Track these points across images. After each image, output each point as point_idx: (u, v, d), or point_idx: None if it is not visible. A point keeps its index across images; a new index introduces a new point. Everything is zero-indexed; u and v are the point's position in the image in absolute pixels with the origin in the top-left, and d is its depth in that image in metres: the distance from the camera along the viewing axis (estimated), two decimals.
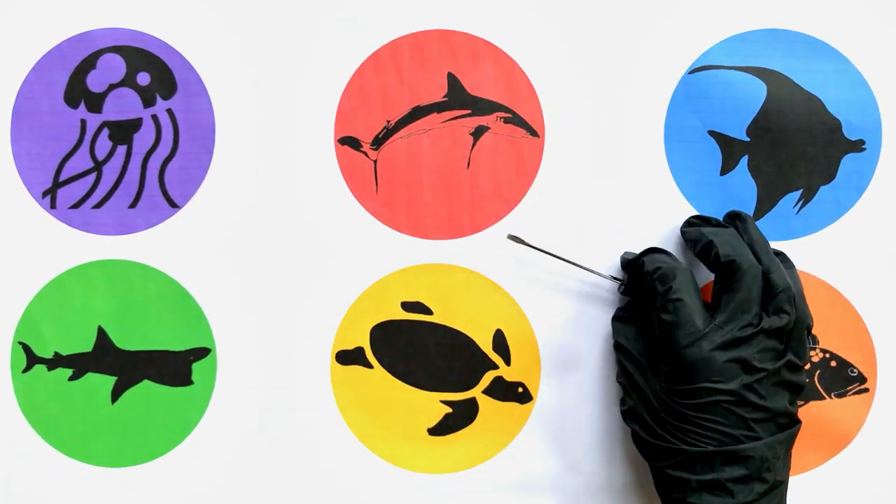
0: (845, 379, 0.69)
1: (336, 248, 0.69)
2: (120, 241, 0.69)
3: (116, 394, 0.69)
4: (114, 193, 0.69)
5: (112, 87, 0.69)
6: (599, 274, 0.64)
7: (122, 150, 0.69)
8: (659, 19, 0.69)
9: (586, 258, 0.68)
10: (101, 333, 0.69)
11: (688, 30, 0.69)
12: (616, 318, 0.65)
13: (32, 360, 0.69)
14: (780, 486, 0.54)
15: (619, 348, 0.63)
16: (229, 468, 0.70)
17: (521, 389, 0.69)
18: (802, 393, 0.59)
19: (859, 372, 0.69)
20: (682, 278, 0.58)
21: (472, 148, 0.69)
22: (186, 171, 0.69)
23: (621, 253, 0.68)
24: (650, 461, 0.59)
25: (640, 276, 0.62)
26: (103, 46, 0.69)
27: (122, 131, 0.69)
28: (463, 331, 0.69)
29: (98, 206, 0.69)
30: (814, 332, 0.69)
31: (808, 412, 0.69)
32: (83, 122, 0.69)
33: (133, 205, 0.69)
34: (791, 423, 0.56)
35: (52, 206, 0.69)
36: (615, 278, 0.65)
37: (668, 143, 0.69)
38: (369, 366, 0.70)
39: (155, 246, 0.69)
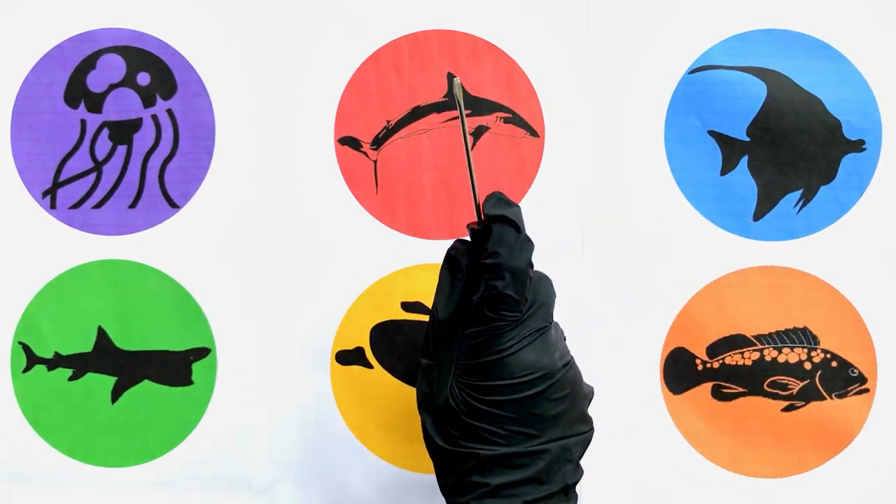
0: (846, 379, 0.69)
1: (336, 248, 0.69)
2: (120, 241, 0.69)
3: (116, 394, 0.69)
4: (114, 193, 0.69)
5: (112, 87, 0.69)
6: (476, 201, 0.58)
7: (122, 150, 0.69)
8: (659, 19, 0.69)
9: (587, 258, 0.68)
10: (102, 333, 0.69)
11: (688, 30, 0.69)
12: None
13: (32, 360, 0.69)
14: (570, 491, 0.53)
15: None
16: (229, 468, 0.70)
17: None
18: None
19: (860, 372, 0.69)
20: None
21: (472, 148, 0.68)
22: (186, 171, 0.69)
23: (621, 252, 0.68)
24: (440, 465, 0.56)
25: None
26: (103, 46, 0.69)
27: (122, 131, 0.69)
28: None
29: (98, 206, 0.69)
30: (814, 332, 0.69)
31: (809, 413, 0.69)
32: (83, 123, 0.69)
33: (133, 205, 0.69)
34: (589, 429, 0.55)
35: (52, 206, 0.69)
36: (481, 220, 0.57)
37: (668, 143, 0.69)
38: (369, 366, 0.70)
39: (155, 246, 0.69)
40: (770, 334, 0.69)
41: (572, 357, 0.53)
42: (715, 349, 0.69)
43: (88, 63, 0.69)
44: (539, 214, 0.68)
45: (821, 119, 0.68)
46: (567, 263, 0.67)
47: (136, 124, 0.69)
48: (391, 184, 0.69)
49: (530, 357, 0.50)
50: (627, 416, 0.69)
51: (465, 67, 0.68)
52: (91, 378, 0.69)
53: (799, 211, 0.69)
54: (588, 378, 0.69)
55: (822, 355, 0.69)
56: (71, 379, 0.69)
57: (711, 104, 0.69)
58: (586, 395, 0.54)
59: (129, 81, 0.69)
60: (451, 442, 0.52)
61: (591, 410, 0.70)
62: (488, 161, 0.68)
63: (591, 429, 0.54)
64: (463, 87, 0.68)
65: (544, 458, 0.50)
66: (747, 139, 0.68)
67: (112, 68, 0.69)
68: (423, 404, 0.55)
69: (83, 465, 0.70)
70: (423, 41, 0.69)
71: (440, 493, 0.69)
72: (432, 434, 0.54)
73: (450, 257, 0.55)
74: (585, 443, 0.53)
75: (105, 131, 0.69)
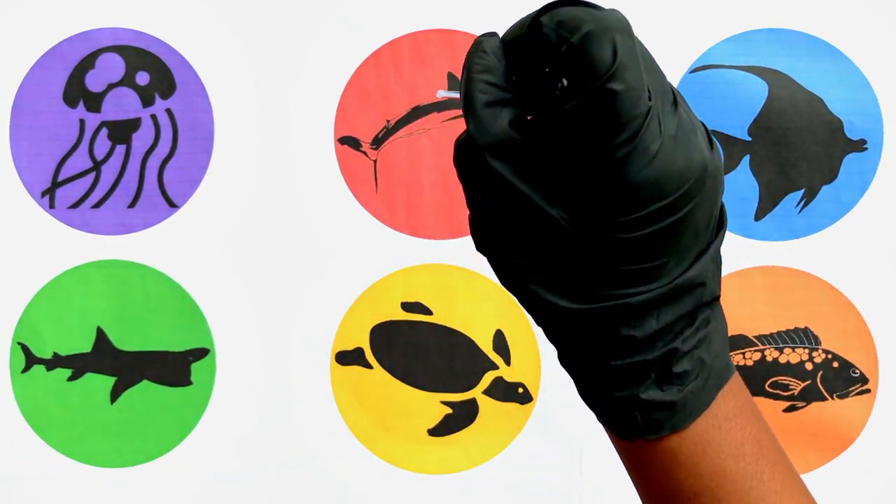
0: (847, 380, 0.69)
1: (336, 248, 0.69)
2: (119, 241, 0.69)
3: (116, 394, 0.69)
4: (113, 193, 0.69)
5: (111, 86, 0.69)
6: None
7: (120, 149, 0.69)
8: (660, 19, 0.68)
9: None
10: (100, 334, 0.69)
11: (689, 29, 0.68)
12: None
13: (31, 360, 0.69)
14: (717, 303, 0.40)
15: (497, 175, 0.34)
16: (229, 468, 0.70)
17: (521, 390, 0.69)
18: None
19: (861, 373, 0.69)
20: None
21: None
22: (185, 171, 0.69)
23: None
24: (560, 338, 0.37)
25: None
26: (102, 46, 0.69)
27: (121, 131, 0.69)
28: (463, 331, 0.69)
29: (97, 205, 0.69)
30: (815, 332, 0.69)
31: (811, 413, 0.69)
32: (82, 122, 0.69)
33: (132, 205, 0.69)
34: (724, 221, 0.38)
35: (51, 206, 0.69)
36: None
37: None
38: (369, 366, 0.70)
39: (154, 246, 0.69)
40: (771, 335, 0.69)
41: (707, 130, 0.35)
42: None
43: (87, 62, 0.69)
44: None
45: (822, 119, 0.68)
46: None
47: (135, 124, 0.69)
48: (391, 184, 0.69)
49: (678, 163, 0.32)
50: None
51: None
52: (90, 378, 0.69)
53: (800, 211, 0.69)
54: None
55: (823, 356, 0.69)
56: (70, 379, 0.69)
57: (712, 104, 0.68)
58: (722, 181, 0.35)
59: (128, 81, 0.69)
60: (588, 299, 0.34)
61: (589, 414, 0.70)
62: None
63: (726, 218, 0.37)
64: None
65: (704, 279, 0.35)
66: (749, 139, 0.68)
67: (111, 68, 0.69)
68: (522, 279, 0.36)
69: (82, 465, 0.70)
70: (423, 41, 0.69)
71: (442, 494, 0.68)
72: (556, 302, 0.34)
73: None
74: (723, 236, 0.36)
75: (104, 131, 0.69)
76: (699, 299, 0.35)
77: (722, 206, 0.36)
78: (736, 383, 0.37)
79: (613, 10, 0.31)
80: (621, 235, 0.33)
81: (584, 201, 0.33)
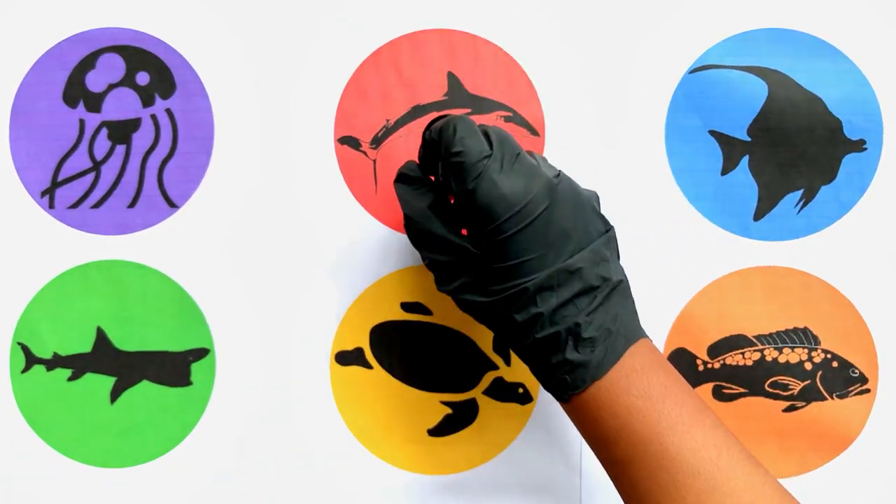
0: (847, 380, 0.69)
1: (336, 248, 0.69)
2: (118, 241, 0.69)
3: (115, 394, 0.69)
4: (112, 193, 0.69)
5: (111, 86, 0.69)
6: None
7: (120, 149, 0.69)
8: (660, 19, 0.69)
9: None
10: (100, 334, 0.69)
11: (688, 29, 0.69)
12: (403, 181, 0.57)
13: (31, 360, 0.69)
14: (620, 285, 0.52)
15: (413, 222, 0.55)
16: (229, 468, 0.70)
17: (521, 390, 0.69)
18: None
19: (861, 373, 0.69)
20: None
21: None
22: (185, 171, 0.69)
23: (621, 251, 0.68)
24: (494, 325, 0.54)
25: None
26: (102, 46, 0.69)
27: (121, 131, 0.69)
28: (463, 331, 0.69)
29: (97, 205, 0.69)
30: (815, 332, 0.69)
31: (810, 413, 0.69)
32: (82, 122, 0.69)
33: (132, 205, 0.69)
34: (605, 229, 0.53)
35: (51, 205, 0.69)
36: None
37: (669, 143, 0.69)
38: (369, 366, 0.70)
39: (154, 246, 0.69)
40: (771, 334, 0.69)
41: (559, 170, 0.52)
42: (716, 350, 0.69)
43: (87, 63, 0.69)
44: None
45: (822, 119, 0.68)
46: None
47: (135, 124, 0.69)
48: (391, 183, 0.69)
49: (519, 184, 0.48)
50: None
51: (465, 67, 0.68)
52: (90, 378, 0.69)
53: (800, 211, 0.69)
54: None
55: (822, 355, 0.69)
56: (70, 379, 0.69)
57: (712, 104, 0.68)
58: (589, 197, 0.52)
59: (128, 81, 0.69)
60: (493, 292, 0.51)
61: None
62: None
63: (611, 226, 0.53)
64: (463, 87, 0.68)
65: (581, 264, 0.49)
66: (748, 139, 0.68)
67: (111, 68, 0.69)
68: (460, 290, 0.53)
69: (82, 465, 0.70)
70: (423, 41, 0.69)
71: (442, 494, 0.69)
72: (475, 300, 0.52)
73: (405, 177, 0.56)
74: (610, 240, 0.52)
75: (104, 131, 0.69)
76: (589, 281, 0.49)
77: (603, 219, 0.52)
78: (644, 346, 0.51)
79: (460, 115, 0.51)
80: (498, 239, 0.49)
81: (470, 226, 0.50)
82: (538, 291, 0.49)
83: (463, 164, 0.49)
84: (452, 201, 0.52)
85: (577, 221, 0.50)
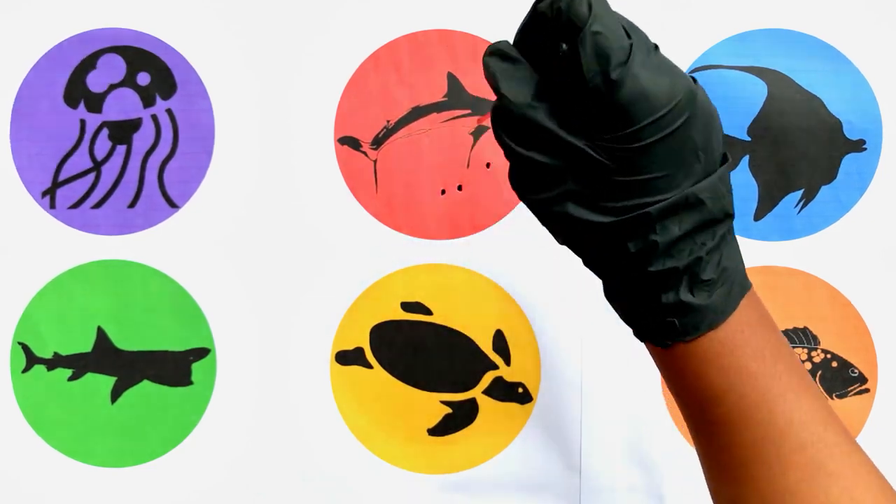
0: (846, 380, 0.69)
1: (336, 248, 0.69)
2: (119, 241, 0.69)
3: (116, 394, 0.69)
4: (113, 193, 0.69)
5: (112, 87, 0.69)
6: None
7: (121, 149, 0.69)
8: (659, 19, 0.69)
9: None
10: (101, 334, 0.69)
11: (688, 30, 0.69)
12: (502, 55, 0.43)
13: (32, 360, 0.69)
14: (731, 221, 0.44)
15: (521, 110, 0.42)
16: (229, 468, 0.70)
17: (521, 390, 0.69)
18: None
19: (860, 372, 0.69)
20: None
21: (472, 148, 0.68)
22: (186, 171, 0.69)
23: None
24: (593, 249, 0.45)
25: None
26: (103, 46, 0.69)
27: (122, 131, 0.69)
28: (463, 331, 0.69)
29: (97, 205, 0.69)
30: (814, 332, 0.69)
31: None
32: (82, 122, 0.69)
33: (132, 205, 0.69)
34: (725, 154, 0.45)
35: (52, 206, 0.69)
36: None
37: None
38: (369, 366, 0.70)
39: (154, 246, 0.69)
40: None
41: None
42: None
43: (88, 63, 0.69)
44: None
45: (821, 119, 0.68)
46: (567, 262, 0.67)
47: (135, 124, 0.69)
48: (391, 184, 0.69)
49: (664, 84, 0.39)
50: (628, 417, 0.68)
51: (465, 67, 0.68)
52: (90, 378, 0.69)
53: (800, 211, 0.69)
54: (587, 377, 0.69)
55: (822, 355, 0.69)
56: (70, 379, 0.69)
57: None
58: (716, 112, 0.43)
59: (129, 81, 0.69)
60: (608, 210, 0.42)
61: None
62: (488, 160, 0.68)
63: (727, 152, 0.45)
64: (463, 87, 0.68)
65: (708, 193, 0.41)
66: (748, 139, 0.68)
67: (112, 68, 0.69)
68: (560, 199, 0.43)
69: (83, 465, 0.70)
70: (422, 41, 0.69)
71: (442, 494, 0.69)
72: (582, 217, 0.42)
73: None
74: (729, 167, 0.44)
75: (104, 131, 0.69)
76: (713, 213, 0.41)
77: (725, 140, 0.44)
78: (754, 296, 0.44)
79: None
80: (628, 147, 0.40)
81: (597, 126, 0.40)
82: (661, 217, 0.41)
83: (606, 49, 0.38)
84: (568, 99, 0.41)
85: (709, 141, 0.42)
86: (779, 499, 0.42)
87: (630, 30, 0.40)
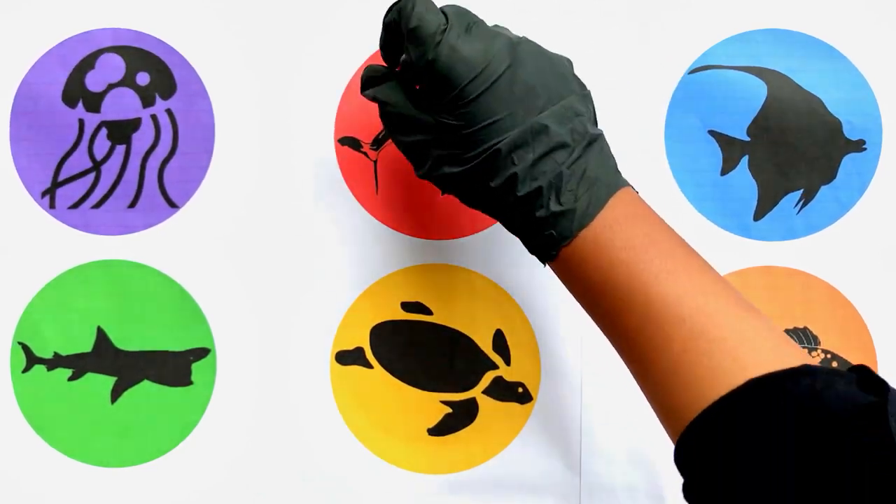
0: None
1: (336, 248, 0.69)
2: (119, 241, 0.69)
3: (116, 394, 0.69)
4: (113, 193, 0.69)
5: (111, 86, 0.69)
6: None
7: (120, 149, 0.69)
8: (659, 19, 0.69)
9: None
10: (101, 334, 0.69)
11: (688, 30, 0.69)
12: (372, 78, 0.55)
13: (32, 360, 0.69)
14: (598, 139, 0.51)
15: (390, 115, 0.53)
16: (229, 468, 0.70)
17: (521, 389, 0.69)
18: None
19: None
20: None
21: None
22: (186, 171, 0.69)
23: None
24: (475, 196, 0.52)
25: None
26: (103, 46, 0.69)
27: (121, 131, 0.69)
28: (463, 331, 0.69)
29: (97, 206, 0.69)
30: (814, 331, 0.69)
31: None
32: (81, 122, 0.69)
33: (132, 205, 0.69)
34: (582, 91, 0.53)
35: (52, 206, 0.69)
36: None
37: (669, 143, 0.69)
38: (369, 366, 0.70)
39: (154, 246, 0.69)
40: None
41: (525, 36, 0.52)
42: None
43: (87, 63, 0.69)
44: None
45: (821, 119, 0.68)
46: None
47: (135, 124, 0.69)
48: (391, 184, 0.69)
49: (477, 46, 0.48)
50: (628, 417, 0.69)
51: None
52: (90, 378, 0.69)
53: (799, 211, 0.69)
54: (587, 377, 0.69)
55: (822, 355, 0.69)
56: (70, 379, 0.69)
57: (712, 104, 0.69)
58: (560, 59, 0.52)
59: (128, 81, 0.69)
60: (468, 160, 0.50)
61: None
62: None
63: (587, 90, 0.52)
64: None
65: (552, 119, 0.48)
66: (748, 139, 0.68)
67: (111, 68, 0.69)
68: (435, 165, 0.52)
69: (82, 464, 0.70)
70: None
71: (442, 494, 0.69)
72: (451, 172, 0.51)
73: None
74: (587, 100, 0.51)
75: (104, 131, 0.69)
76: (561, 135, 0.48)
77: (579, 82, 0.52)
78: (628, 195, 0.50)
79: None
80: (463, 103, 0.48)
81: (436, 98, 0.49)
82: (512, 150, 0.48)
83: (422, 36, 0.48)
84: (417, 87, 0.51)
85: (545, 78, 0.49)
86: (668, 373, 0.45)
87: (453, 13, 0.49)
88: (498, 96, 0.48)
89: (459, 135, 0.49)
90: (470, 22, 0.49)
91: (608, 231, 0.48)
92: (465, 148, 0.49)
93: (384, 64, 0.55)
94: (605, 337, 0.52)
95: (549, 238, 0.49)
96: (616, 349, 0.50)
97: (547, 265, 0.51)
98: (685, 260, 0.47)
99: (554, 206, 0.48)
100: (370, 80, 0.54)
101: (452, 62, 0.47)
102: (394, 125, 0.53)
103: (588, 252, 0.48)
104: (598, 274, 0.48)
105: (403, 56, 0.50)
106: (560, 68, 0.51)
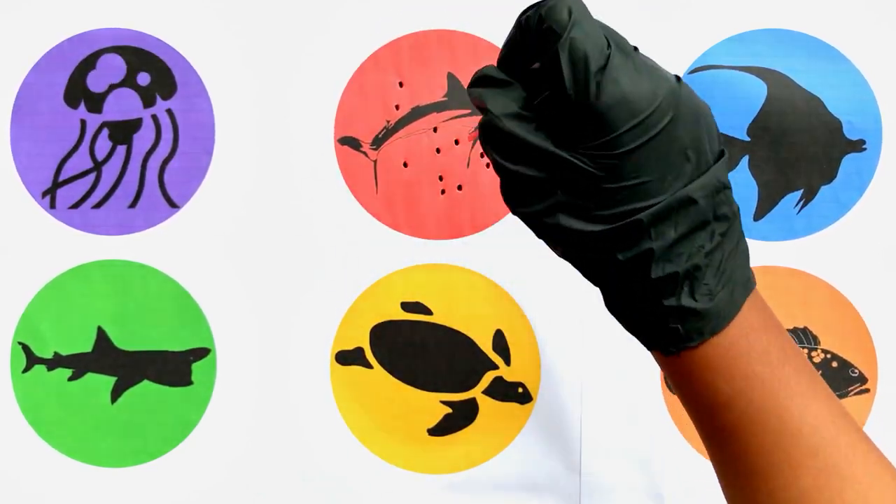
0: (846, 379, 0.69)
1: (336, 248, 0.69)
2: (120, 241, 0.69)
3: (116, 394, 0.69)
4: (113, 193, 0.69)
5: (112, 87, 0.69)
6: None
7: (121, 150, 0.69)
8: (659, 19, 0.69)
9: None
10: (101, 334, 0.69)
11: (688, 30, 0.69)
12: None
13: (32, 360, 0.69)
14: (737, 220, 0.44)
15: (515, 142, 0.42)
16: (229, 468, 0.70)
17: (521, 389, 0.69)
18: None
19: (860, 372, 0.69)
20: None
21: (472, 148, 0.68)
22: (186, 172, 0.69)
23: None
24: (589, 258, 0.44)
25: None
26: (103, 46, 0.69)
27: (122, 131, 0.69)
28: (463, 331, 0.69)
29: (98, 206, 0.69)
30: (814, 332, 0.69)
31: None
32: (83, 123, 0.69)
33: (133, 205, 0.69)
34: (721, 150, 0.44)
35: (52, 206, 0.69)
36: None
37: None
38: (369, 366, 0.70)
39: (154, 246, 0.69)
40: None
41: (677, 74, 0.43)
42: None
43: (88, 63, 0.69)
44: None
45: (821, 119, 0.68)
46: (566, 263, 0.67)
47: (135, 124, 0.69)
48: (391, 184, 0.69)
49: (644, 87, 0.39)
50: (628, 417, 0.69)
51: (465, 67, 0.68)
52: (91, 378, 0.69)
53: (799, 211, 0.69)
54: (588, 377, 0.69)
55: (822, 355, 0.69)
56: (70, 379, 0.69)
57: (712, 104, 0.68)
58: (706, 107, 0.43)
59: (129, 81, 0.69)
60: (599, 219, 0.41)
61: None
62: (488, 160, 0.68)
63: (724, 148, 0.43)
64: (463, 87, 0.68)
65: (700, 192, 0.40)
66: (748, 139, 0.68)
67: (112, 68, 0.69)
68: (551, 210, 0.41)
69: (82, 464, 0.70)
70: (422, 41, 0.69)
71: (442, 494, 0.69)
72: (574, 227, 0.41)
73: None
74: (726, 164, 0.43)
75: (105, 131, 0.69)
76: (708, 213, 0.40)
77: (719, 137, 0.42)
78: (759, 297, 0.42)
79: None
80: (612, 153, 0.39)
81: (580, 135, 0.39)
82: (654, 222, 0.39)
83: (582, 65, 0.38)
84: (541, 104, 0.41)
85: (698, 139, 0.41)
86: (793, 503, 0.41)
87: (609, 34, 0.40)
88: (654, 153, 0.39)
89: (597, 186, 0.40)
90: (629, 50, 0.40)
91: (744, 340, 0.41)
92: (599, 203, 0.40)
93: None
94: (704, 444, 0.45)
95: (673, 333, 0.41)
96: (720, 469, 0.44)
97: (651, 352, 0.44)
98: (813, 381, 0.41)
99: (686, 301, 0.41)
100: (483, 80, 0.43)
101: (616, 100, 0.38)
102: (501, 145, 0.41)
103: (718, 359, 0.41)
104: (727, 385, 0.41)
105: (536, 64, 0.40)
106: (708, 119, 0.42)
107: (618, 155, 0.39)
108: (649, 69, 0.40)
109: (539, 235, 0.43)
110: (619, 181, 0.40)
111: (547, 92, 0.40)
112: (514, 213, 0.43)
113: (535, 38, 0.41)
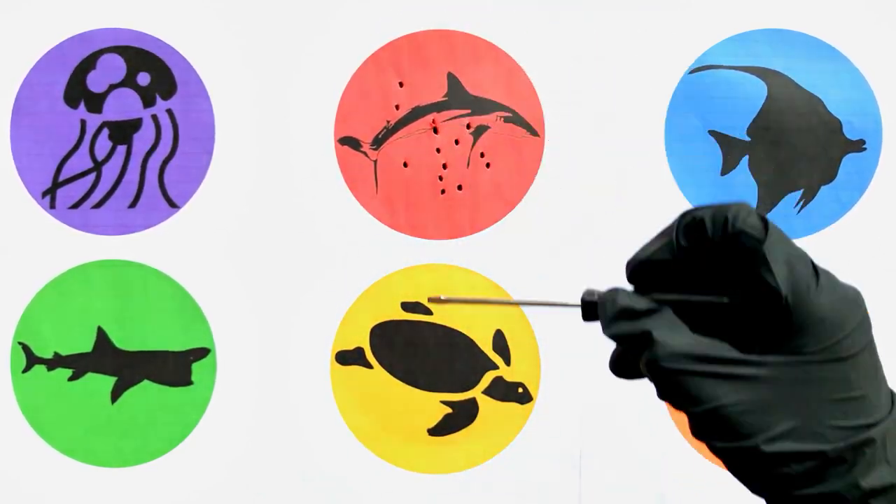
0: None
1: (336, 248, 0.69)
2: (120, 241, 0.69)
3: (116, 394, 0.69)
4: (113, 193, 0.69)
5: (112, 87, 0.69)
6: (554, 304, 0.46)
7: (121, 150, 0.69)
8: (659, 20, 0.69)
9: (586, 258, 0.68)
10: (101, 334, 0.69)
11: (688, 30, 0.69)
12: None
13: (32, 360, 0.69)
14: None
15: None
16: (229, 468, 0.70)
17: (521, 389, 0.69)
18: None
19: None
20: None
21: (472, 148, 0.68)
22: (186, 172, 0.69)
23: (622, 253, 0.68)
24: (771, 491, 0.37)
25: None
26: (103, 46, 0.69)
27: (122, 131, 0.69)
28: (463, 331, 0.69)
29: (98, 206, 0.69)
30: None
31: None
32: (83, 123, 0.69)
33: (133, 205, 0.69)
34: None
35: (52, 206, 0.69)
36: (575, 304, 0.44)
37: (669, 143, 0.69)
38: (369, 366, 0.70)
39: (154, 246, 0.69)
40: None
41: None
42: None
43: (88, 63, 0.69)
44: (539, 214, 0.68)
45: (821, 119, 0.68)
46: (566, 263, 0.67)
47: (135, 124, 0.69)
48: (391, 184, 0.69)
49: (849, 291, 0.35)
50: (628, 417, 0.68)
51: (465, 67, 0.68)
52: (91, 378, 0.69)
53: (799, 211, 0.69)
54: (589, 377, 0.69)
55: None
56: (71, 379, 0.69)
57: (712, 104, 0.69)
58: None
59: (129, 81, 0.69)
60: (839, 437, 0.35)
61: (589, 414, 0.70)
62: (488, 160, 0.68)
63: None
64: (463, 87, 0.68)
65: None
66: (748, 139, 0.68)
67: (112, 68, 0.69)
68: (782, 438, 0.35)
69: (82, 464, 0.70)
70: (423, 41, 0.69)
71: (442, 494, 0.68)
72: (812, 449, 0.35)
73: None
74: None
75: (105, 131, 0.69)
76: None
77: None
78: None
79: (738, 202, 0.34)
80: (844, 357, 0.34)
81: (786, 349, 0.34)
82: (885, 441, 0.35)
83: (799, 272, 0.34)
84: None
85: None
86: None
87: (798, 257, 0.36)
88: (868, 364, 0.35)
89: (825, 396, 0.35)
90: (816, 266, 0.36)
91: None
92: (832, 415, 0.35)
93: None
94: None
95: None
96: None
97: None
98: None
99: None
100: (625, 313, 0.36)
101: (831, 308, 0.34)
102: (700, 383, 0.35)
103: None
104: None
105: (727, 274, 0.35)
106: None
107: (841, 358, 0.35)
108: (831, 278, 0.36)
109: (744, 481, 0.36)
110: (849, 389, 0.35)
111: (735, 299, 0.34)
112: (714, 450, 0.35)
113: (714, 242, 0.35)
